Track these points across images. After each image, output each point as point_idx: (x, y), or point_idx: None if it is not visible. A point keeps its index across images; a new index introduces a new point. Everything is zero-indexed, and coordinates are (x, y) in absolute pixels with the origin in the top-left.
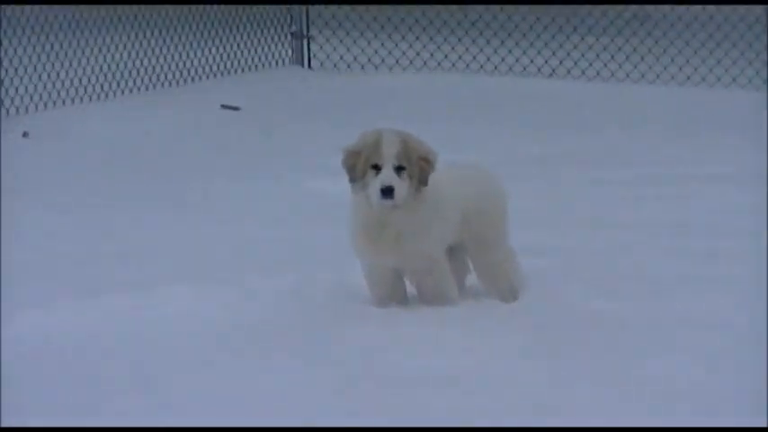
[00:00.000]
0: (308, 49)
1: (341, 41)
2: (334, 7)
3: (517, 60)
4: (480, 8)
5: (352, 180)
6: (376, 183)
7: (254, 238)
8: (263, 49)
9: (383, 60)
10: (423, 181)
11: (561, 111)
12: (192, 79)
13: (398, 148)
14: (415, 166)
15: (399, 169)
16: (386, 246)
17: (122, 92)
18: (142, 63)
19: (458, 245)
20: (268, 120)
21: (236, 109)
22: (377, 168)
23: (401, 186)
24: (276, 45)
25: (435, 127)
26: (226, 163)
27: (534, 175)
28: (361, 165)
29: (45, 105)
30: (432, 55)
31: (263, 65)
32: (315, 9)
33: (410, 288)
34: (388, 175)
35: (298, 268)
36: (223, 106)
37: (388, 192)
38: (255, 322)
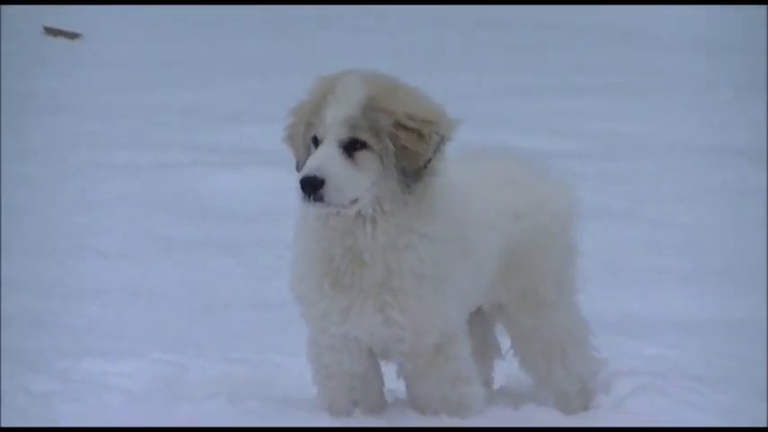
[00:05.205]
0: None
1: None
2: None
3: None
4: None
5: (299, 166)
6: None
7: None
8: None
9: None
10: (411, 171)
11: None
12: None
13: (354, 106)
14: (389, 140)
15: (353, 146)
16: (362, 302)
17: None
18: None
19: (489, 307)
20: None
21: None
22: (318, 144)
23: (349, 175)
24: None
25: None
26: None
27: None
28: (301, 136)
29: None
30: None
31: None
32: None
33: (393, 382)
34: (318, 156)
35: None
36: (48, 30)
37: (310, 185)
38: None
